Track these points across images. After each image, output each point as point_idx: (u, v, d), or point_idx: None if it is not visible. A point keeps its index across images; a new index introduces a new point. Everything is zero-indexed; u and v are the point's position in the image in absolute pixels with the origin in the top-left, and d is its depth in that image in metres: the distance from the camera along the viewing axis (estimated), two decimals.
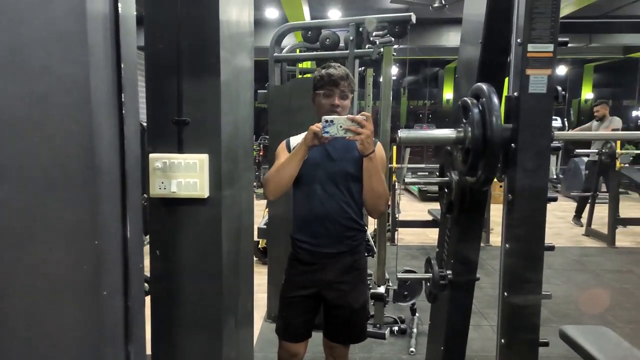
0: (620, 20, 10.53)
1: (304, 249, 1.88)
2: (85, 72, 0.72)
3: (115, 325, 0.81)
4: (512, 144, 1.34)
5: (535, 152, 1.30)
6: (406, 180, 1.78)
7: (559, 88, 1.35)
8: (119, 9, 0.76)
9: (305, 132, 1.90)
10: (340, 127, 1.64)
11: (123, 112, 0.80)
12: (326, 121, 1.64)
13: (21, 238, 0.72)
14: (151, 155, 1.56)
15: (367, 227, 4.16)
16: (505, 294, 1.38)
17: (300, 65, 4.79)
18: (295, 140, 1.92)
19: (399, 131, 1.43)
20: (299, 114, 2.92)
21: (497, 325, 1.51)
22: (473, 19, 1.74)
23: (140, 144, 0.92)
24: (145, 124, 1.60)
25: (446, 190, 1.94)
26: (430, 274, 1.97)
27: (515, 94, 1.34)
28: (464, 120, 1.42)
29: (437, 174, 2.02)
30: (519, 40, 1.32)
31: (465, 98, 1.44)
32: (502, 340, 1.43)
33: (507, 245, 1.37)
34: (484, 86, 1.38)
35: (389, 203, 5.04)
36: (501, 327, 1.45)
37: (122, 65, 0.79)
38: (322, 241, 1.85)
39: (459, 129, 1.44)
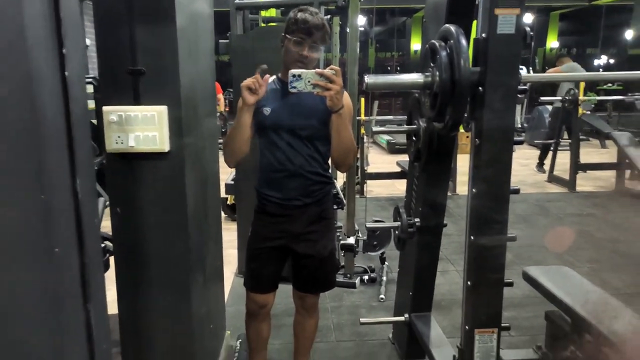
0: None
1: (271, 202, 1.85)
2: (18, 4, 0.64)
3: (71, 282, 0.77)
4: (480, 87, 1.32)
5: (503, 94, 1.28)
6: (374, 129, 1.75)
7: (528, 29, 1.32)
8: None
9: (271, 78, 1.83)
10: (309, 82, 1.56)
11: (64, 51, 0.73)
12: (293, 75, 1.57)
13: None
14: (105, 108, 1.47)
15: (336, 179, 4.15)
16: (472, 237, 1.40)
17: (263, 14, 4.60)
18: None
19: (365, 76, 1.39)
20: (264, 64, 2.81)
21: (464, 267, 1.55)
22: None
23: (93, 96, 0.84)
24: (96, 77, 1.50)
25: (414, 138, 1.93)
26: (399, 223, 1.99)
27: (484, 35, 1.31)
28: (432, 64, 1.39)
29: (406, 123, 2.00)
30: None
31: (433, 41, 1.40)
32: (469, 282, 1.46)
33: (473, 190, 1.38)
34: (452, 28, 1.34)
35: (358, 156, 5.04)
36: (468, 269, 1.48)
37: (61, 4, 0.71)
38: (289, 194, 1.82)
39: (427, 74, 1.41)
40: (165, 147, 1.51)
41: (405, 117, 2.00)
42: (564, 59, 6.51)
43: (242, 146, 1.74)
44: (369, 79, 1.40)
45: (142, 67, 1.49)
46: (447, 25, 1.38)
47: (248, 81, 1.64)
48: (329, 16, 3.83)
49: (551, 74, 6.08)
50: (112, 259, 1.61)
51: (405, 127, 1.89)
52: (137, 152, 1.50)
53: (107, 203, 1.77)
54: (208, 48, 2.01)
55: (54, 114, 0.72)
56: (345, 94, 1.85)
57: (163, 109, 1.50)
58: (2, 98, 0.67)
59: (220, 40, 3.17)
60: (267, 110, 1.77)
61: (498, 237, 1.32)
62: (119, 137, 1.48)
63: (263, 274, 1.91)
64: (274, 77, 1.86)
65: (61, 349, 0.78)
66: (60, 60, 0.73)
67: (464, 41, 1.31)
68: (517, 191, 1.37)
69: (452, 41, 1.33)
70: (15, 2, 0.65)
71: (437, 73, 1.34)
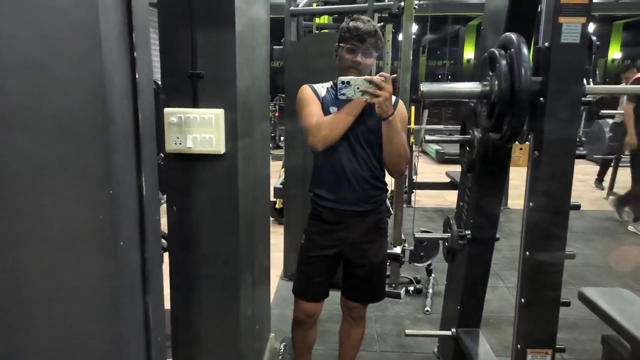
0: None
1: (326, 207, 1.83)
2: (95, 15, 0.68)
3: (132, 276, 0.81)
4: (541, 98, 1.28)
5: (566, 104, 1.23)
6: (427, 138, 1.72)
7: (594, 38, 1.27)
8: None
9: (327, 84, 1.86)
10: (358, 88, 1.56)
11: (135, 57, 0.77)
12: (342, 82, 1.57)
13: (34, 185, 0.71)
14: (166, 110, 1.53)
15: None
16: (527, 253, 1.35)
17: (317, 21, 4.65)
18: (319, 89, 1.84)
19: (421, 84, 1.38)
20: (317, 69, 2.84)
21: (517, 285, 1.49)
22: None
23: (154, 99, 0.88)
24: (159, 82, 1.56)
25: (468, 148, 1.89)
26: (448, 234, 1.95)
27: (546, 44, 1.26)
28: (490, 73, 1.36)
29: (457, 134, 1.96)
30: None
31: (492, 49, 1.37)
32: (522, 300, 1.41)
33: (530, 204, 1.33)
34: (513, 36, 1.31)
35: (408, 163, 4.98)
36: (522, 285, 1.42)
37: (133, 10, 0.75)
38: (346, 199, 1.80)
39: (485, 82, 1.37)
40: (221, 149, 1.55)
41: (456, 126, 1.96)
42: (630, 74, 6.11)
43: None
44: (424, 86, 1.38)
45: (202, 70, 1.54)
46: (507, 33, 1.35)
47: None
48: (382, 23, 3.81)
49: (618, 86, 5.77)
50: (166, 256, 1.67)
51: (459, 137, 1.85)
52: (194, 153, 1.55)
53: (162, 201, 1.83)
54: (264, 53, 2.05)
55: (123, 115, 0.76)
56: (401, 103, 1.84)
57: (220, 112, 1.54)
58: (75, 99, 0.71)
59: (274, 47, 3.22)
60: (333, 109, 1.77)
61: (556, 254, 1.26)
62: (177, 138, 1.53)
63: (315, 282, 1.90)
64: (330, 83, 1.87)
65: (119, 339, 0.81)
66: (132, 66, 0.77)
67: (525, 50, 1.28)
68: (577, 207, 1.31)
69: (512, 50, 1.29)
70: (92, 11, 0.69)
71: (496, 82, 1.31)
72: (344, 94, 1.58)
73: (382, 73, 1.61)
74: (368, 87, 1.56)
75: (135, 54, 0.78)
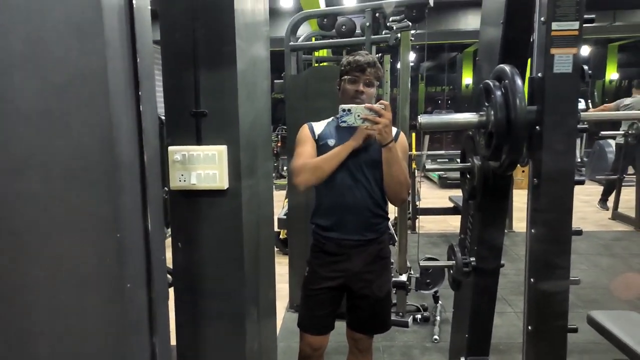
0: None
1: (328, 238, 1.84)
2: (102, 64, 0.71)
3: (139, 316, 0.82)
4: (537, 127, 1.30)
5: (562, 133, 1.26)
6: (427, 166, 1.74)
7: (585, 67, 1.30)
8: (134, 0, 0.75)
9: (328, 120, 1.91)
10: (358, 116, 1.61)
11: (140, 103, 0.79)
12: (343, 110, 1.62)
13: (42, 230, 0.73)
14: (170, 148, 1.56)
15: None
16: (532, 280, 1.35)
17: (316, 54, 4.75)
18: (316, 124, 1.90)
19: (419, 116, 1.40)
20: (317, 102, 2.89)
21: (524, 312, 1.48)
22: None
23: (159, 136, 0.92)
24: (163, 118, 1.60)
25: (468, 175, 1.91)
26: (453, 262, 1.95)
27: (540, 74, 1.29)
28: (487, 104, 1.39)
29: (458, 160, 1.98)
30: (542, 18, 1.27)
31: (487, 80, 1.40)
32: (529, 327, 1.40)
33: (532, 231, 1.34)
34: (507, 67, 1.34)
35: (409, 191, 5.00)
36: (528, 314, 1.42)
37: (138, 57, 0.78)
38: (348, 229, 1.81)
39: (482, 113, 1.40)
40: (225, 184, 1.58)
41: (456, 151, 1.99)
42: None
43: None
44: (422, 118, 1.41)
45: (205, 109, 1.58)
46: (501, 65, 1.38)
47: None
48: (379, 54, 3.90)
49: (613, 112, 5.82)
50: (170, 290, 1.68)
51: (459, 165, 1.87)
52: (198, 190, 1.57)
53: (167, 235, 1.85)
54: (265, 89, 2.10)
55: (130, 158, 0.78)
56: (402, 134, 1.87)
57: (223, 149, 1.57)
58: (83, 145, 0.73)
59: (275, 81, 3.29)
60: (331, 142, 1.81)
61: (560, 283, 1.27)
62: (182, 175, 1.56)
63: (319, 315, 1.89)
64: (331, 118, 1.91)
65: None
66: (137, 111, 0.80)
67: (519, 81, 1.31)
68: (579, 232, 1.32)
69: (507, 81, 1.32)
70: (99, 61, 0.72)
71: (492, 112, 1.34)
72: (344, 122, 1.62)
73: (381, 101, 1.65)
74: (368, 114, 1.60)
75: (140, 100, 0.80)
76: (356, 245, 1.83)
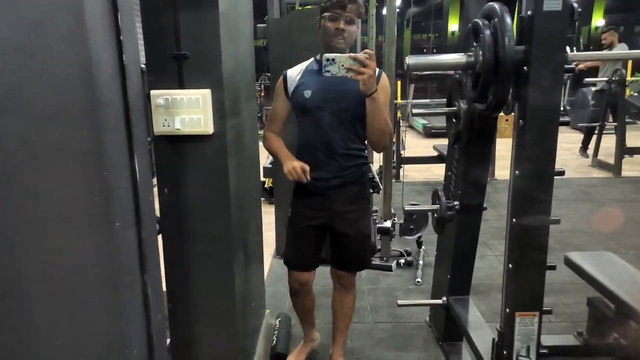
0: None
1: (310, 181, 1.87)
2: None
3: (130, 256, 0.82)
4: (525, 67, 1.29)
5: (549, 72, 1.26)
6: (414, 111, 1.73)
7: (575, 5, 1.28)
8: None
9: (304, 64, 1.90)
10: (342, 66, 1.58)
11: (121, 37, 0.77)
12: (327, 59, 1.59)
13: (27, 169, 0.71)
14: (152, 92, 1.52)
15: (372, 163, 4.14)
16: (514, 219, 1.39)
17: None
18: (293, 73, 1.90)
19: (407, 57, 1.39)
20: (301, 46, 2.82)
21: (505, 251, 1.53)
22: None
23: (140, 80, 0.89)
24: (144, 66, 1.55)
25: (454, 120, 1.91)
26: (437, 206, 1.99)
27: (529, 12, 1.28)
28: (475, 43, 1.37)
29: (444, 106, 1.98)
30: None
31: (476, 19, 1.38)
32: (510, 265, 1.45)
33: (516, 172, 1.36)
34: (496, 5, 1.32)
35: (394, 140, 5.00)
36: (509, 251, 1.47)
37: None
38: (328, 171, 1.86)
39: (469, 53, 1.39)
40: (210, 129, 1.55)
41: (441, 100, 1.98)
42: (608, 35, 6.15)
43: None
44: (410, 59, 1.39)
45: (187, 51, 1.53)
46: (491, 3, 1.36)
47: (295, 174, 1.77)
48: None
49: (601, 53, 5.80)
50: (159, 237, 1.68)
51: (445, 109, 1.87)
52: (182, 135, 1.55)
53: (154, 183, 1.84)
54: (247, 32, 2.03)
55: (112, 96, 0.76)
56: (384, 76, 1.85)
57: (207, 92, 1.54)
58: (63, 82, 0.71)
59: (257, 25, 3.19)
60: (307, 93, 1.82)
61: (542, 218, 1.30)
62: (165, 120, 1.53)
63: (305, 252, 1.98)
64: (312, 59, 1.91)
65: (120, 319, 0.83)
66: (118, 47, 0.77)
67: (508, 19, 1.29)
68: (562, 172, 1.35)
69: (496, 19, 1.30)
70: None
71: (480, 52, 1.32)
72: (328, 71, 1.59)
73: (366, 50, 1.62)
74: (352, 64, 1.58)
75: (121, 35, 0.77)
76: (335, 186, 1.87)
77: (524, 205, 1.34)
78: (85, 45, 0.70)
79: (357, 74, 1.59)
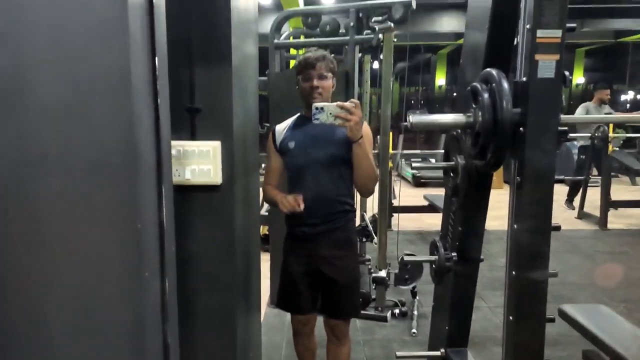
0: (612, 6, 10.57)
1: (298, 226, 1.98)
2: (127, 61, 0.74)
3: (154, 305, 0.85)
4: (521, 128, 1.38)
5: (544, 135, 1.34)
6: (414, 165, 1.82)
7: (567, 73, 1.39)
8: None
9: (290, 119, 2.05)
10: (330, 114, 1.70)
11: (158, 99, 0.82)
12: (316, 108, 1.71)
13: (67, 223, 0.75)
14: None
15: (365, 212, 4.19)
16: (514, 272, 1.43)
17: (301, 52, 4.79)
18: (280, 128, 2.03)
19: (409, 116, 1.47)
20: (300, 100, 2.92)
21: (504, 304, 1.57)
22: (479, 5, 1.77)
23: None
24: None
25: (452, 174, 1.98)
26: (436, 257, 2.03)
27: (524, 78, 1.37)
28: (474, 105, 1.46)
29: (434, 159, 2.06)
30: (528, 26, 1.35)
31: (474, 83, 1.47)
32: (510, 318, 1.48)
33: (515, 226, 1.42)
34: (494, 71, 1.41)
35: (387, 191, 5.08)
36: (508, 305, 1.50)
37: (157, 53, 0.81)
38: (315, 218, 1.93)
39: (469, 114, 1.47)
40: (219, 180, 1.61)
41: (430, 150, 2.07)
42: (603, 92, 6.38)
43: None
44: (413, 118, 1.47)
45: (199, 104, 1.60)
46: (488, 69, 1.46)
47: (287, 203, 1.85)
48: (360, 54, 3.96)
49: (591, 116, 6.04)
50: None
51: (444, 164, 1.94)
52: (192, 185, 1.60)
53: None
54: (254, 86, 2.13)
55: (148, 151, 0.81)
56: (365, 124, 1.97)
57: (217, 144, 1.60)
58: (104, 139, 0.76)
59: (259, 78, 3.30)
60: (292, 144, 1.95)
61: (541, 272, 1.35)
62: (176, 170, 1.58)
63: (298, 297, 2.02)
64: (298, 114, 2.05)
65: None
66: (155, 105, 0.83)
67: (505, 84, 1.38)
68: (558, 228, 1.41)
69: (494, 84, 1.40)
70: (124, 59, 0.75)
71: (480, 113, 1.41)
72: (317, 119, 1.70)
73: (352, 100, 1.75)
74: (340, 112, 1.69)
75: (158, 95, 0.83)
76: (322, 232, 1.95)
77: (523, 259, 1.39)
78: (129, 105, 0.75)
79: (344, 121, 1.70)
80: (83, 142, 0.74)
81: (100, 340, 0.79)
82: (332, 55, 4.18)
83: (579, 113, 6.33)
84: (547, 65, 1.35)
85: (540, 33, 1.33)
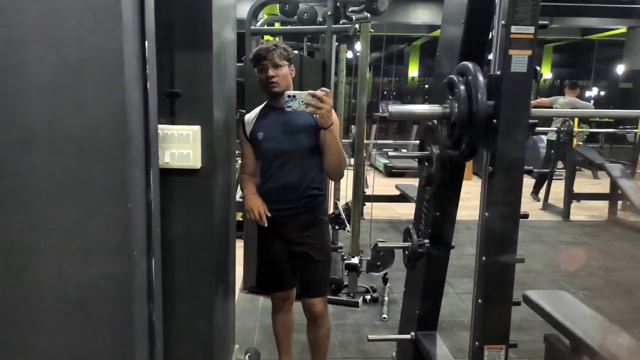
0: (578, 5, 10.83)
1: (269, 210, 2.02)
2: (119, 45, 0.75)
3: (141, 283, 0.86)
4: (494, 120, 1.44)
5: (516, 126, 1.40)
6: (390, 154, 1.89)
7: (538, 68, 1.45)
8: None
9: (257, 109, 2.09)
10: (302, 101, 1.76)
11: (147, 83, 0.84)
12: (289, 96, 1.76)
13: (56, 202, 0.76)
14: None
15: (339, 200, 4.24)
16: (484, 258, 1.50)
17: (276, 40, 4.77)
18: (249, 118, 2.08)
19: (389, 106, 1.51)
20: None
21: (473, 288, 1.64)
22: (456, 0, 1.82)
23: None
24: None
25: (426, 163, 2.04)
26: (409, 243, 2.09)
27: (498, 72, 1.43)
28: (450, 97, 1.51)
29: (405, 149, 2.12)
30: (503, 22, 1.40)
31: (451, 76, 1.52)
32: (479, 300, 1.56)
33: (486, 214, 1.49)
34: (470, 65, 1.46)
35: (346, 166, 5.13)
36: (478, 287, 1.57)
37: (146, 38, 0.82)
38: (283, 202, 2.01)
39: (445, 105, 1.52)
40: (198, 164, 1.62)
41: (402, 141, 2.12)
42: (571, 92, 6.64)
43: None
44: (392, 108, 1.52)
45: (179, 89, 1.60)
46: (464, 62, 1.51)
47: (253, 215, 1.97)
48: (337, 43, 3.98)
49: (561, 110, 6.26)
50: None
51: (419, 153, 2.00)
52: (171, 168, 1.60)
53: None
54: (232, 71, 2.13)
55: (138, 133, 0.83)
56: (332, 111, 2.02)
57: (197, 129, 1.61)
58: (97, 121, 0.77)
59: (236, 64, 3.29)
60: (260, 135, 2.00)
61: (510, 257, 1.42)
62: None
63: (276, 274, 2.11)
64: (265, 103, 2.10)
65: (132, 345, 0.87)
66: (144, 90, 0.84)
67: (481, 77, 1.44)
68: (526, 216, 1.48)
69: (470, 77, 1.45)
70: (117, 43, 0.76)
71: (456, 105, 1.46)
72: (290, 107, 1.76)
73: (323, 88, 1.81)
74: (311, 100, 1.75)
75: (147, 78, 0.84)
76: (291, 215, 2.02)
77: (494, 245, 1.46)
78: (121, 89, 0.76)
79: (315, 108, 1.75)
80: (75, 123, 0.74)
81: (89, 316, 0.81)
82: (309, 43, 4.19)
83: (549, 103, 6.57)
84: (520, 60, 1.40)
85: (514, 29, 1.38)
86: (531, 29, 1.40)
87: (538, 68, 1.44)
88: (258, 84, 2.03)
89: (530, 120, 1.45)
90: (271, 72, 1.93)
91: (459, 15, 1.78)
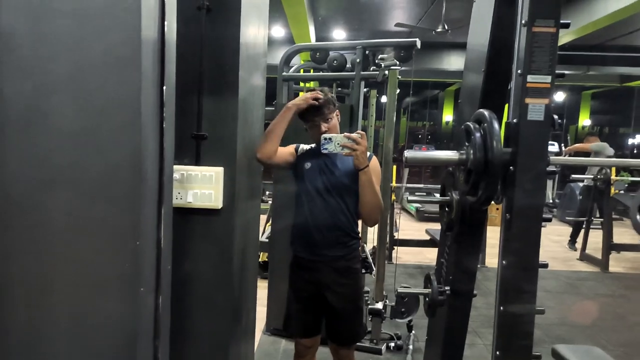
0: (616, 55, 10.73)
1: (302, 255, 2.03)
2: (137, 92, 0.81)
3: (147, 320, 0.89)
4: (511, 167, 1.43)
5: (533, 174, 1.39)
6: (409, 198, 1.89)
7: (555, 116, 1.45)
8: (165, 34, 0.85)
9: (308, 146, 2.13)
10: (338, 144, 1.81)
11: (164, 127, 0.89)
12: (325, 139, 1.82)
13: (72, 238, 0.80)
14: None
15: (366, 243, 4.22)
16: (502, 307, 1.46)
17: (308, 85, 4.92)
18: (303, 147, 2.12)
19: (405, 152, 1.53)
20: (302, 128, 3.00)
21: (493, 338, 1.59)
22: (476, 49, 1.85)
23: None
24: None
25: (447, 209, 2.03)
26: (429, 290, 2.05)
27: (515, 120, 1.44)
28: (467, 143, 1.52)
29: (436, 193, 2.11)
30: (519, 71, 1.42)
31: (468, 123, 1.54)
32: (497, 352, 1.51)
33: (504, 262, 1.46)
34: (486, 112, 1.48)
35: (387, 222, 5.11)
36: (496, 339, 1.52)
37: (165, 86, 0.88)
38: (318, 247, 1.99)
39: (462, 151, 1.53)
40: (219, 204, 1.67)
41: (434, 185, 2.12)
42: (592, 138, 6.61)
43: (276, 141, 1.98)
44: (408, 153, 1.53)
45: (205, 132, 1.68)
46: (481, 110, 1.52)
47: (305, 98, 1.95)
48: (367, 89, 4.07)
49: (579, 159, 6.14)
50: None
51: (439, 198, 1.99)
52: (193, 208, 1.65)
53: None
54: (259, 115, 2.21)
55: (153, 175, 0.87)
56: (374, 158, 2.05)
57: (220, 170, 1.67)
58: (113, 163, 0.82)
59: (266, 108, 3.40)
60: (307, 165, 2.02)
61: (527, 306, 1.38)
62: (179, 193, 1.64)
63: (303, 321, 2.07)
64: (313, 145, 2.11)
65: None
66: (160, 134, 0.89)
67: (496, 125, 1.44)
68: (545, 265, 1.44)
69: (485, 124, 1.46)
70: (134, 90, 0.82)
71: (472, 152, 1.47)
72: (326, 149, 1.82)
73: (358, 131, 1.85)
74: (347, 142, 1.80)
75: (164, 122, 0.90)
76: (326, 261, 2.00)
77: (511, 294, 1.42)
78: (138, 133, 0.82)
79: (351, 150, 1.80)
80: (94, 164, 0.80)
81: (93, 349, 0.84)
82: (339, 89, 4.29)
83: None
84: (536, 109, 1.41)
85: (530, 78, 1.40)
86: (548, 79, 1.41)
87: (556, 116, 1.44)
88: (309, 130, 2.07)
89: (549, 169, 1.44)
90: (324, 127, 1.97)
91: (479, 63, 1.81)
